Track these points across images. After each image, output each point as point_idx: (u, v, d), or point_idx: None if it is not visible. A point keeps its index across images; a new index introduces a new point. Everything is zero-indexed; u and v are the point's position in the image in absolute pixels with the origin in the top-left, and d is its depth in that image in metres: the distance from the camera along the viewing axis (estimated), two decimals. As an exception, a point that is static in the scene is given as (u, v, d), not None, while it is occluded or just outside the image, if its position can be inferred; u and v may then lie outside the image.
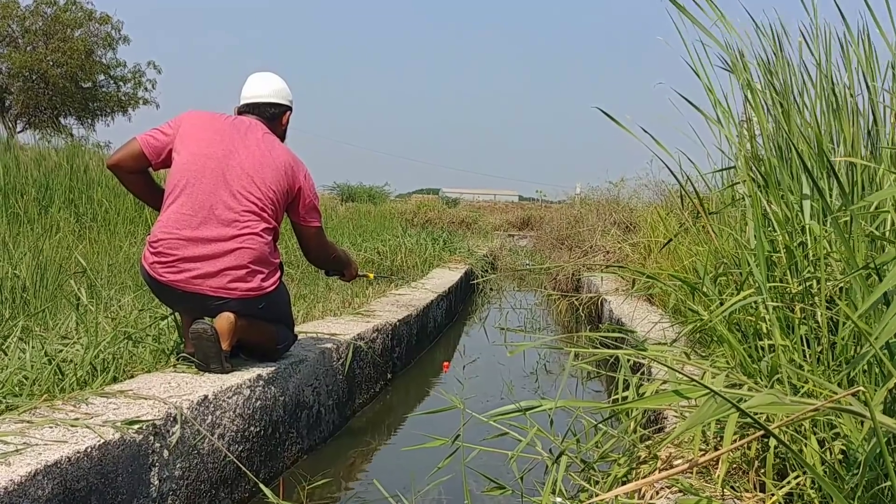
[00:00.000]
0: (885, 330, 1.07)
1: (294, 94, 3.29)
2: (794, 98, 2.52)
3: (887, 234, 1.92)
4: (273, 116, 3.18)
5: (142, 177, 3.07)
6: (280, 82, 3.24)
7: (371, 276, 4.19)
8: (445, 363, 4.86)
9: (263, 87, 3.19)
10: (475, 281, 9.13)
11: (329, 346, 3.63)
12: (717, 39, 2.48)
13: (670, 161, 3.14)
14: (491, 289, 9.76)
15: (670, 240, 3.96)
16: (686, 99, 2.61)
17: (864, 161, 2.19)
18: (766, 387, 1.74)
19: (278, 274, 3.04)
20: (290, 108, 3.26)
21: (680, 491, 1.71)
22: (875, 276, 1.60)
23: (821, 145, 2.08)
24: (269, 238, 2.96)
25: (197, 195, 2.85)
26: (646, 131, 2.57)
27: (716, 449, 1.85)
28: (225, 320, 2.83)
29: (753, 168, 2.53)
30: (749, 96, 2.59)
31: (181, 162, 2.90)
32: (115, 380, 2.62)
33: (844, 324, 1.82)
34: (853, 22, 2.46)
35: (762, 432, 1.27)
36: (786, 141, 2.41)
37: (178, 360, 2.89)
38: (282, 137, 3.21)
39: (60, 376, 2.48)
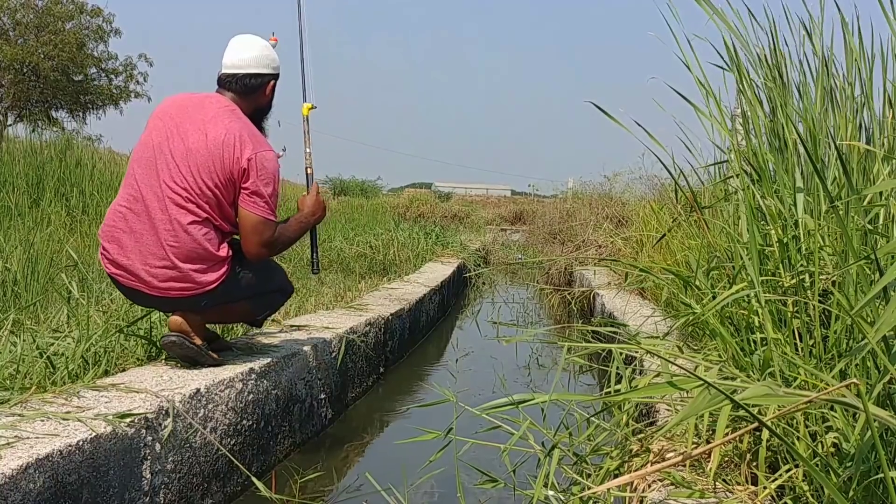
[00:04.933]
0: (883, 324, 1.07)
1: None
2: (792, 90, 2.53)
3: (880, 228, 1.93)
4: (254, 88, 2.88)
5: None
6: (262, 48, 2.91)
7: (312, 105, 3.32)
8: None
9: (242, 54, 2.87)
10: (468, 274, 9.13)
11: (321, 339, 3.63)
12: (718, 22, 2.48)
13: (663, 155, 3.14)
14: (483, 283, 9.77)
15: (664, 234, 3.97)
16: (678, 93, 2.61)
17: (864, 146, 2.20)
18: (759, 380, 1.74)
19: (224, 268, 2.77)
20: (274, 76, 2.94)
21: (672, 484, 1.71)
22: (876, 268, 1.60)
23: (815, 138, 2.09)
24: (202, 233, 2.69)
25: (131, 186, 2.72)
26: (639, 125, 2.57)
27: (708, 442, 1.86)
28: (175, 323, 2.74)
29: (746, 162, 2.53)
30: (744, 89, 2.59)
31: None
32: (106, 373, 2.61)
33: (837, 317, 1.82)
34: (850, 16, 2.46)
35: (755, 425, 1.27)
36: (784, 129, 2.41)
37: (169, 353, 2.87)
38: (267, 108, 2.98)
39: (52, 369, 2.47)
